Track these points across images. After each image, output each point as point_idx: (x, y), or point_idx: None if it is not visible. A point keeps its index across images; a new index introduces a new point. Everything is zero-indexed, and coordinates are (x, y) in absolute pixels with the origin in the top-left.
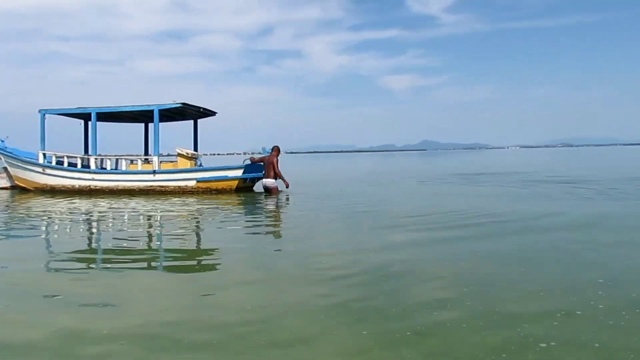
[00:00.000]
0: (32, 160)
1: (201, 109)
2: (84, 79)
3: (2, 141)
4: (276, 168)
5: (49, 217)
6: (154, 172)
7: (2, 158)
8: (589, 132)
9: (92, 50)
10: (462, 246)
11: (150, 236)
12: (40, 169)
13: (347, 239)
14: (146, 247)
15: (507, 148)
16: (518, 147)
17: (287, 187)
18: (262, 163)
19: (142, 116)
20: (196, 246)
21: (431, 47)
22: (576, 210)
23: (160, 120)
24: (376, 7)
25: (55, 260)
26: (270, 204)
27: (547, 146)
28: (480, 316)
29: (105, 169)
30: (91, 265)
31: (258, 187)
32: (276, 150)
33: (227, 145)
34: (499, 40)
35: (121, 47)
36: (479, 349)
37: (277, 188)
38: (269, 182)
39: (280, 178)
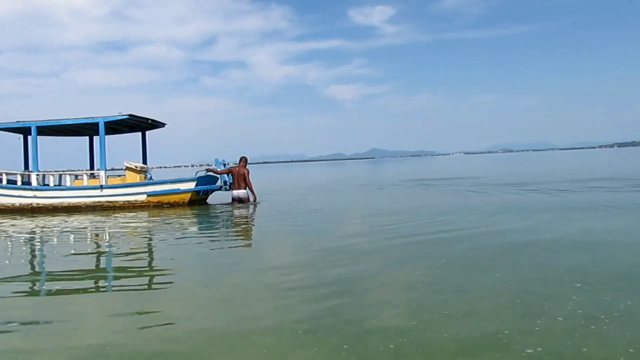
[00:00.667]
0: None
1: (149, 121)
2: (19, 93)
3: None
4: (247, 179)
5: None
6: (101, 187)
7: None
8: (527, 137)
9: (25, 62)
10: (430, 252)
11: (97, 255)
12: None
13: (309, 250)
14: (93, 267)
15: (452, 154)
16: (462, 154)
17: (254, 200)
18: (226, 174)
19: (87, 129)
20: (148, 264)
21: (374, 57)
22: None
23: (106, 133)
24: (319, 18)
25: None
26: (227, 216)
27: (489, 152)
28: (452, 322)
29: (48, 185)
30: (34, 288)
31: (212, 199)
32: (244, 160)
33: (174, 158)
34: (439, 50)
35: (57, 58)
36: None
37: (248, 198)
38: (242, 193)
39: (250, 189)
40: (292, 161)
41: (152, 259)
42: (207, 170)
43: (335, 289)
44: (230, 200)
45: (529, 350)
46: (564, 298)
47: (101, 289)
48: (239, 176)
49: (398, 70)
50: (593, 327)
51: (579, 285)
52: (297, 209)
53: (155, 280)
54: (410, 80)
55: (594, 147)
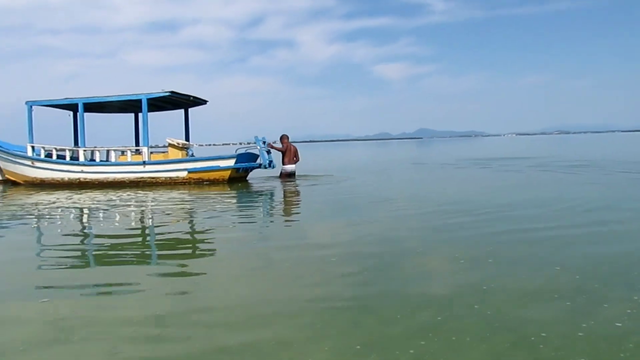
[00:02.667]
0: (21, 153)
1: (191, 98)
2: (75, 73)
3: None
4: (298, 155)
5: (40, 211)
6: (144, 163)
7: None
8: (585, 119)
9: (81, 44)
10: (478, 233)
11: (142, 229)
12: (29, 162)
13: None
14: (137, 241)
15: (504, 135)
16: (514, 135)
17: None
18: (280, 152)
19: (131, 106)
20: (192, 239)
21: (423, 35)
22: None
23: (150, 111)
24: None
25: (46, 255)
26: (277, 192)
27: (542, 133)
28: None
29: (94, 160)
30: (83, 260)
31: (251, 176)
32: (286, 138)
33: (220, 136)
34: (492, 28)
35: (111, 40)
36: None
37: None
38: (293, 167)
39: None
40: (338, 140)
41: (196, 235)
42: (269, 145)
43: (377, 273)
44: (278, 174)
45: None
46: None
47: (141, 262)
48: (291, 151)
49: (448, 49)
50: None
51: None
52: (351, 190)
53: (196, 256)
54: (460, 59)
55: None
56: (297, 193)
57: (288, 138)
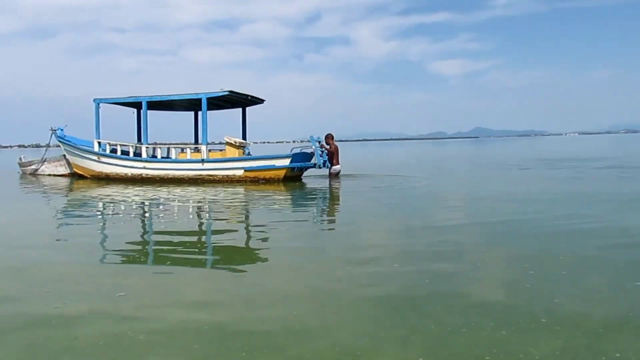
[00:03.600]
0: (88, 148)
1: (249, 97)
2: (139, 69)
3: (62, 130)
4: (338, 155)
5: (104, 205)
6: (203, 161)
7: (62, 146)
8: None
9: (145, 41)
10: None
11: (199, 228)
12: (95, 157)
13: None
14: (194, 240)
15: (565, 135)
16: (576, 134)
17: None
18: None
19: (192, 104)
20: (247, 239)
21: (482, 31)
22: None
23: (209, 109)
24: None
25: (108, 250)
26: (329, 193)
27: (608, 132)
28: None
29: (156, 157)
30: (141, 257)
31: (304, 176)
32: (331, 137)
33: (275, 134)
34: (554, 21)
35: (173, 37)
36: None
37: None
38: (339, 167)
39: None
40: (391, 139)
41: (251, 235)
42: (321, 145)
43: (437, 281)
44: (328, 174)
45: None
46: None
47: (198, 262)
48: (337, 152)
49: (507, 45)
50: None
51: None
52: (404, 189)
53: (251, 259)
54: (520, 55)
55: None
56: (354, 193)
57: (333, 137)
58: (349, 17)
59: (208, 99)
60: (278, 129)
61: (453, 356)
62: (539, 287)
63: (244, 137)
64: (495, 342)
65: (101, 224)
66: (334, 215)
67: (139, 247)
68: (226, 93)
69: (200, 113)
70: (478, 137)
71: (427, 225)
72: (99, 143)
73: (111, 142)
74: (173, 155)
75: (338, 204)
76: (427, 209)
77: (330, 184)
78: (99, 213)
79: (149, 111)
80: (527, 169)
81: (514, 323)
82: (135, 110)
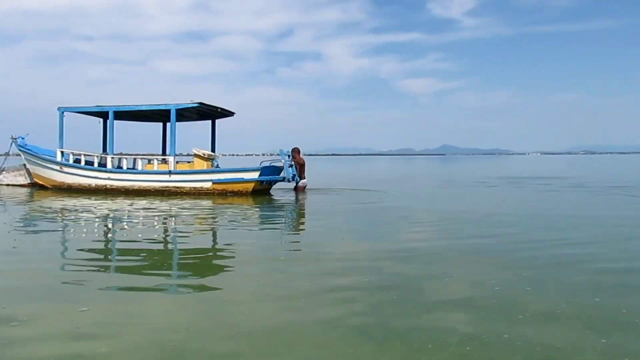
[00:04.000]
0: (50, 158)
1: (218, 109)
2: (107, 79)
3: (23, 138)
4: (304, 169)
5: (65, 216)
6: (170, 173)
7: (22, 155)
8: (612, 139)
9: (114, 50)
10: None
11: (163, 240)
12: (57, 167)
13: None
14: (158, 251)
15: (528, 154)
16: (539, 154)
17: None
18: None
19: (160, 115)
20: (213, 254)
21: (451, 51)
22: None
23: (178, 120)
24: (397, 10)
25: (67, 261)
26: (297, 206)
27: (568, 153)
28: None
29: (121, 168)
30: (101, 269)
31: (275, 191)
32: (297, 151)
33: (245, 147)
34: (520, 45)
35: (143, 47)
36: None
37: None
38: (305, 181)
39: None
40: (360, 154)
41: (217, 250)
42: (292, 159)
43: (402, 294)
44: (293, 187)
45: None
46: None
47: (161, 274)
48: (303, 166)
49: (475, 66)
50: None
51: None
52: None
53: (216, 274)
54: (487, 76)
55: None
56: (323, 208)
57: (300, 152)
58: (321, 34)
59: (177, 110)
60: (248, 142)
61: None
62: (504, 304)
63: (213, 150)
64: (459, 358)
65: (59, 236)
66: (300, 231)
67: (98, 262)
68: (196, 105)
69: (169, 125)
70: (445, 155)
71: (394, 241)
72: (62, 152)
73: (75, 152)
74: (139, 167)
75: (306, 219)
76: (394, 225)
77: (297, 198)
78: (58, 225)
79: (115, 122)
80: (494, 186)
81: (477, 338)
82: (101, 120)
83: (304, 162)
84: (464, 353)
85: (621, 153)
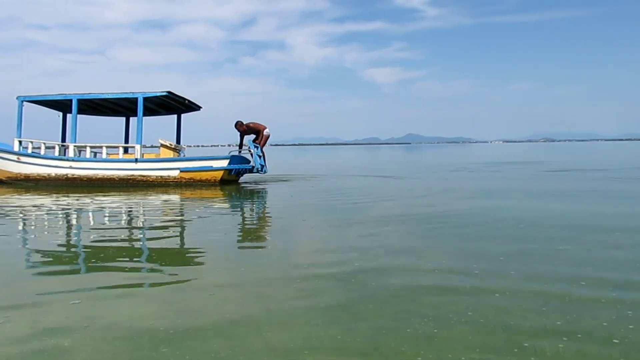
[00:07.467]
0: (6, 148)
1: (186, 101)
2: (63, 69)
3: None
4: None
5: (23, 211)
6: (136, 161)
7: None
8: (570, 127)
9: (70, 39)
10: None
11: (128, 231)
12: (14, 157)
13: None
14: (122, 248)
15: (491, 142)
16: (501, 142)
17: None
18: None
19: (124, 108)
20: (180, 246)
21: (414, 41)
22: None
23: (143, 114)
24: None
25: (31, 259)
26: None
27: (529, 141)
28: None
29: (84, 156)
30: (66, 266)
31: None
32: (240, 124)
33: (210, 138)
34: (481, 35)
35: (101, 36)
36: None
37: None
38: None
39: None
40: (327, 144)
41: (183, 241)
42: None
43: (370, 279)
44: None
45: None
46: None
47: (126, 267)
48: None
49: (438, 55)
50: None
51: None
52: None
53: (182, 264)
54: (450, 65)
55: None
56: (297, 198)
57: (243, 124)
58: (284, 23)
59: (144, 99)
60: (213, 133)
61: (383, 356)
62: (471, 286)
63: (178, 142)
64: (424, 340)
65: (14, 234)
66: (269, 220)
67: (60, 260)
68: (165, 93)
69: (132, 119)
70: (410, 143)
71: (362, 226)
72: (20, 142)
73: (34, 141)
74: (104, 155)
75: (273, 208)
76: (362, 210)
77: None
78: (12, 222)
79: (77, 115)
80: (457, 170)
81: (444, 320)
82: (60, 114)
83: (260, 128)
84: (429, 334)
85: (579, 140)
